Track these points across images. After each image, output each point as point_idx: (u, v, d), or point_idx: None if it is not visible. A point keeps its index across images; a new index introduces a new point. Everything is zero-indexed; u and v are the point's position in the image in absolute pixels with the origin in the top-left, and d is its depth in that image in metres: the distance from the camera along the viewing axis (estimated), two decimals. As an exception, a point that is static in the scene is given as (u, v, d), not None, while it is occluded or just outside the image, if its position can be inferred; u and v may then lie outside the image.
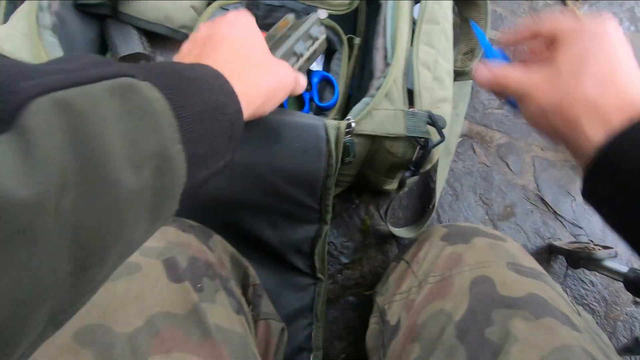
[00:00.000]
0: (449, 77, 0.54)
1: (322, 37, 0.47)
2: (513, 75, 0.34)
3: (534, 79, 0.33)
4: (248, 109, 0.30)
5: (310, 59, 0.47)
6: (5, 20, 0.43)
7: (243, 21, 0.35)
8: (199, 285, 0.34)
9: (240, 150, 0.40)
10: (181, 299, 0.32)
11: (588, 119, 0.29)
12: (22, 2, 0.43)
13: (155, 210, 0.20)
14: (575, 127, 0.29)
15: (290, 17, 0.47)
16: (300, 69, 0.45)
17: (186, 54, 0.34)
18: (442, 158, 0.63)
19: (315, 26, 0.45)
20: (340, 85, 0.52)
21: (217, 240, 0.44)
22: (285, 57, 0.42)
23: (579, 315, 0.37)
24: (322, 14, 0.53)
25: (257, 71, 0.32)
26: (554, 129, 0.32)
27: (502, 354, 0.30)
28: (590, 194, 0.30)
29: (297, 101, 0.56)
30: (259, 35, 0.36)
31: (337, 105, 0.51)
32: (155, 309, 0.30)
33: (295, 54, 0.43)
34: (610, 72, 0.29)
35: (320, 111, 0.53)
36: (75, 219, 0.16)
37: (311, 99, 0.53)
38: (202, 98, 0.23)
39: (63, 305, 0.17)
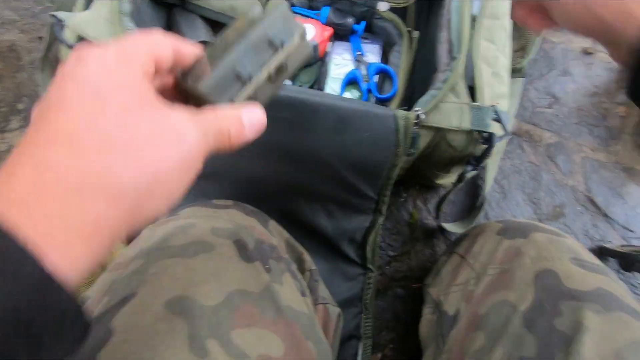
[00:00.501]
0: (507, 73, 0.54)
1: (295, 40, 0.28)
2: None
3: None
4: (89, 248, 0.17)
5: (276, 79, 0.28)
6: (86, 7, 0.45)
7: (95, 66, 0.19)
8: (267, 267, 0.35)
9: (307, 136, 0.41)
10: (254, 278, 0.33)
11: (630, 10, 0.25)
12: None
13: None
14: (622, 12, 0.25)
15: (255, 10, 0.27)
16: (253, 99, 0.27)
17: (21, 146, 0.18)
18: (493, 155, 0.62)
19: (282, 25, 0.27)
20: (400, 78, 0.52)
21: (273, 225, 0.45)
22: (221, 86, 0.25)
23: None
24: (383, 6, 0.53)
25: (106, 172, 0.17)
26: (596, 18, 0.27)
27: (575, 343, 0.30)
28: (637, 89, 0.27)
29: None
30: (125, 82, 0.19)
31: (397, 98, 0.51)
32: (233, 285, 0.31)
33: (239, 77, 0.25)
34: None
35: (379, 103, 0.53)
36: None
37: (369, 91, 0.54)
38: None
39: None
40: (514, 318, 0.34)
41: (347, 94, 0.56)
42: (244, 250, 0.35)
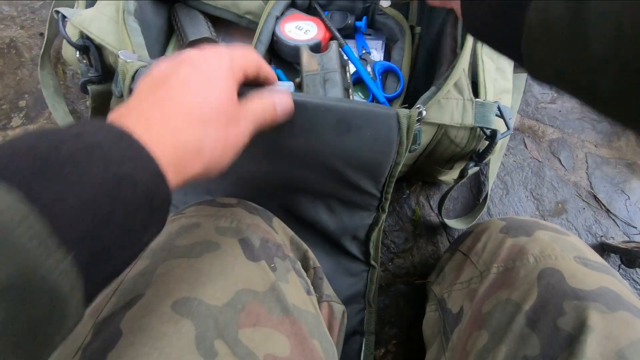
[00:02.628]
0: (510, 68, 0.54)
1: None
2: None
3: None
4: (180, 174, 0.24)
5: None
6: (88, 6, 0.44)
7: (212, 63, 0.28)
8: (272, 265, 0.35)
9: (308, 137, 0.41)
10: (260, 277, 0.33)
11: None
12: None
13: (35, 344, 0.17)
14: None
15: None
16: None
17: (138, 96, 0.26)
18: (496, 151, 0.62)
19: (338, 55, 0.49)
20: (403, 74, 0.52)
21: (277, 222, 0.45)
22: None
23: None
24: (385, 2, 0.53)
25: (201, 128, 0.25)
26: None
27: (578, 343, 0.30)
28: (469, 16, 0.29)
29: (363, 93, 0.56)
30: (224, 80, 0.28)
31: (401, 95, 0.51)
32: (239, 285, 0.31)
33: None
34: None
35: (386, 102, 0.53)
36: None
37: (374, 97, 0.53)
38: (92, 177, 0.18)
39: None
40: (517, 317, 0.34)
41: (355, 97, 0.56)
42: (249, 249, 0.35)
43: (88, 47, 0.40)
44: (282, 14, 0.55)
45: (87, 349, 0.25)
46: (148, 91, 0.26)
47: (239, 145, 0.30)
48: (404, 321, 0.56)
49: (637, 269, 0.64)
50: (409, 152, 0.42)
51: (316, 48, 0.53)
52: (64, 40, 0.43)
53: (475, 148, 0.45)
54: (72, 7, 0.56)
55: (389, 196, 0.46)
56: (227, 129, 0.27)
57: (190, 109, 0.25)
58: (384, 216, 0.49)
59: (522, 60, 0.25)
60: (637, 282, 0.65)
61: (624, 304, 0.33)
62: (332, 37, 0.55)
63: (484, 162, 0.45)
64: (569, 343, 0.31)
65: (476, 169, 0.46)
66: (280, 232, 0.44)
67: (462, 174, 0.47)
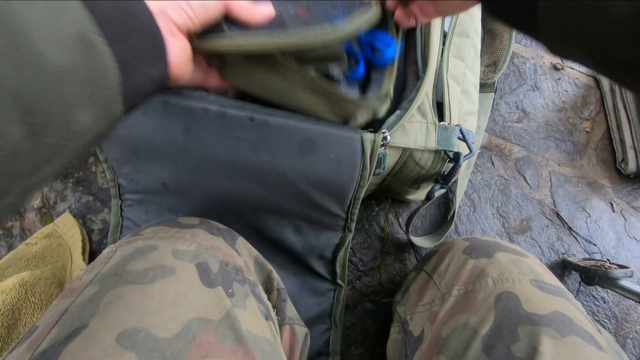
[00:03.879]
0: (475, 91, 0.55)
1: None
2: None
3: None
4: (179, 14, 0.29)
5: None
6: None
7: None
8: (230, 291, 0.35)
9: (272, 157, 0.40)
10: (214, 304, 0.32)
11: None
12: None
13: (94, 97, 0.22)
14: None
15: None
16: None
17: None
18: (463, 170, 0.63)
19: None
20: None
21: (242, 242, 0.45)
22: None
23: (601, 333, 0.37)
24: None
25: None
26: None
27: None
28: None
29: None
30: None
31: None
32: (191, 314, 0.30)
33: None
34: None
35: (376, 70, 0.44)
36: (14, 85, 0.18)
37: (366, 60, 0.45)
38: (113, 2, 0.23)
39: (27, 167, 0.20)
40: (474, 342, 0.35)
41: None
42: (206, 274, 0.34)
43: None
44: None
45: (21, 387, 0.24)
46: None
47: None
48: (369, 341, 0.56)
49: (597, 286, 0.66)
50: (373, 175, 0.42)
51: None
52: None
53: (440, 170, 0.46)
54: None
55: (355, 217, 0.46)
56: None
57: None
58: (350, 236, 0.49)
59: (533, 30, 0.25)
60: (596, 299, 0.67)
61: (575, 329, 0.33)
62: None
63: (449, 184, 0.45)
64: None
65: (442, 191, 0.47)
66: (243, 253, 0.43)
67: (428, 196, 0.47)
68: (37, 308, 0.43)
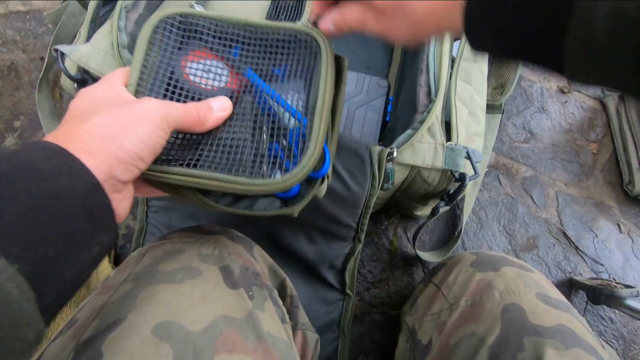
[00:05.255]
0: (482, 113, 0.58)
1: None
2: (350, 14, 0.32)
3: (369, 20, 0.31)
4: (129, 172, 0.26)
5: None
6: (88, 37, 0.47)
7: (105, 80, 0.31)
8: (250, 293, 0.37)
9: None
10: (238, 304, 0.34)
11: (442, 16, 0.27)
12: (102, 24, 0.48)
13: None
14: (440, 27, 0.28)
15: None
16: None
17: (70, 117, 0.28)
18: (470, 187, 0.65)
19: None
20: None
21: (258, 251, 0.47)
22: None
23: (604, 348, 0.39)
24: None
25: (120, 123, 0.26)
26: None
27: None
28: (476, 44, 0.28)
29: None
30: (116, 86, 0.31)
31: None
32: (217, 311, 0.32)
33: None
34: None
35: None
36: None
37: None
38: (28, 194, 0.19)
39: None
40: (481, 350, 0.36)
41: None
42: (229, 277, 0.36)
43: (86, 80, 0.43)
44: (182, 43, 0.34)
45: (68, 370, 0.26)
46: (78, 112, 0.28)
47: (159, 134, 0.29)
48: (377, 351, 0.57)
49: (604, 306, 0.67)
50: (383, 189, 0.45)
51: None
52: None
53: (447, 188, 0.48)
54: (71, 41, 0.59)
55: (365, 227, 0.49)
56: (137, 125, 0.27)
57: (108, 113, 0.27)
58: (360, 246, 0.51)
59: (557, 71, 0.24)
60: (603, 319, 0.68)
61: (578, 342, 0.35)
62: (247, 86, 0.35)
63: (454, 202, 0.48)
64: None
65: (447, 208, 0.49)
66: (260, 260, 0.46)
67: (433, 213, 0.50)
68: (67, 307, 0.45)
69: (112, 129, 0.26)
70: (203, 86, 0.34)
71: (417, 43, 0.31)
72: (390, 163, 0.43)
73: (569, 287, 0.69)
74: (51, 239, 0.20)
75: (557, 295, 0.42)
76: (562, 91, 0.85)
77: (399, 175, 0.47)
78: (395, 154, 0.43)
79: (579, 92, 0.85)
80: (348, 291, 0.54)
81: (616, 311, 0.68)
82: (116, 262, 0.58)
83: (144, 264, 0.36)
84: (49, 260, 0.20)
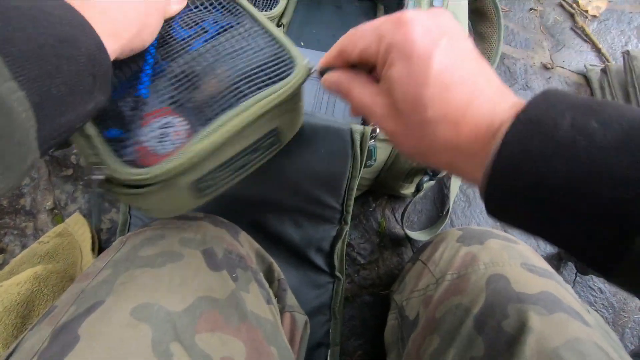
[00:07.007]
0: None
1: None
2: (358, 91, 0.28)
3: (378, 109, 0.27)
4: (117, 42, 0.27)
5: None
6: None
7: None
8: (234, 275, 0.37)
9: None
10: (220, 285, 0.34)
11: (459, 161, 0.24)
12: None
13: None
14: (452, 169, 0.26)
15: None
16: None
17: None
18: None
19: None
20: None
21: (244, 236, 0.47)
22: None
23: (589, 313, 0.39)
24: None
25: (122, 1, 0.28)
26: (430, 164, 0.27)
27: (518, 343, 0.32)
28: (494, 213, 0.25)
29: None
30: None
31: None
32: (199, 292, 0.32)
33: None
34: (449, 101, 0.23)
35: None
36: None
37: None
38: (37, 30, 0.20)
39: None
40: (466, 321, 0.36)
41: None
42: (212, 259, 0.36)
43: None
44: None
45: (44, 354, 0.26)
46: None
47: (160, 5, 0.33)
48: (369, 332, 0.58)
49: (592, 276, 0.68)
50: (365, 167, 0.44)
51: None
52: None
53: (431, 163, 0.48)
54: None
55: (350, 209, 0.48)
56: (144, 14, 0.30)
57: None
58: (346, 228, 0.51)
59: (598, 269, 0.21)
60: (593, 289, 0.69)
61: (561, 306, 0.35)
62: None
63: (437, 175, 0.48)
64: (510, 343, 0.33)
65: (432, 182, 0.49)
66: (246, 246, 0.45)
67: (417, 188, 0.49)
68: (50, 299, 0.45)
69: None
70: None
71: (419, 161, 0.27)
72: (373, 140, 0.43)
73: (558, 260, 0.69)
74: (57, 80, 0.21)
75: (541, 264, 0.42)
76: (545, 67, 0.85)
77: (382, 154, 0.47)
78: (378, 130, 0.43)
79: (562, 67, 0.85)
80: (337, 274, 0.54)
81: (605, 281, 0.69)
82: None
83: (124, 251, 0.35)
84: (52, 98, 0.21)
